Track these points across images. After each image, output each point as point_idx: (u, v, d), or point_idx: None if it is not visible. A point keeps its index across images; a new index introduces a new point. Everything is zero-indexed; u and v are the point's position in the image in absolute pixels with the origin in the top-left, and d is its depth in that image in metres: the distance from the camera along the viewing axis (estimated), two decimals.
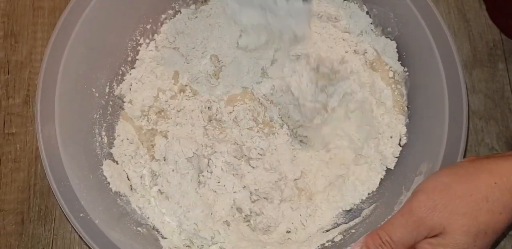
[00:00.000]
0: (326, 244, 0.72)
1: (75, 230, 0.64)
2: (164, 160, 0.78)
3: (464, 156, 0.67)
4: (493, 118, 0.85)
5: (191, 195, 0.76)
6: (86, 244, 0.64)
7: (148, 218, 0.76)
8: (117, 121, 0.81)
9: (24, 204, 0.80)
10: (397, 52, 0.78)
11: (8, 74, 0.86)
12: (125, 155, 0.79)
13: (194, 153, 0.77)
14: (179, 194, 0.76)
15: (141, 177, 0.78)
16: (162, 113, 0.81)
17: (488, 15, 0.88)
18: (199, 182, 0.77)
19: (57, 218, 0.80)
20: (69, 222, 0.64)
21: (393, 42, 0.78)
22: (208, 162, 0.78)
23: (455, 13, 0.88)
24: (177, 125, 0.80)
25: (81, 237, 0.64)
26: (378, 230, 0.58)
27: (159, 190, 0.77)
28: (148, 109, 0.81)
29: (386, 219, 0.68)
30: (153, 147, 0.80)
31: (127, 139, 0.79)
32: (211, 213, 0.75)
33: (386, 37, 0.79)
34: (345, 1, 0.83)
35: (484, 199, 0.56)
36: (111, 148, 0.79)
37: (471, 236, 0.56)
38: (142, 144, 0.80)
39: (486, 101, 0.85)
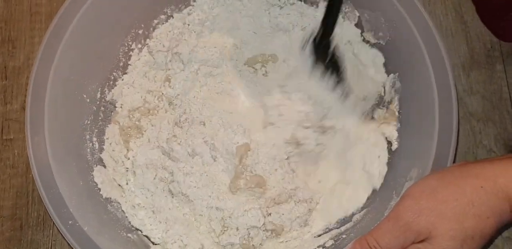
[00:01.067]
0: None
1: (63, 237, 0.65)
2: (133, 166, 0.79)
3: (455, 161, 0.67)
4: (491, 120, 0.85)
5: (168, 210, 0.76)
6: None
7: (138, 225, 0.76)
8: (108, 125, 0.81)
9: (23, 209, 0.81)
10: (388, 56, 0.78)
11: (6, 79, 0.87)
12: (111, 157, 0.79)
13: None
14: (154, 208, 0.77)
15: (127, 183, 0.79)
16: (150, 112, 0.82)
17: (479, 17, 0.88)
18: (172, 194, 0.76)
19: (55, 224, 0.80)
20: (58, 229, 0.65)
21: (381, 54, 0.79)
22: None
23: (453, 15, 0.88)
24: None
25: (70, 246, 0.65)
26: (366, 236, 0.58)
27: (139, 202, 0.78)
28: (135, 110, 0.81)
29: (376, 224, 0.69)
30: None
31: (114, 143, 0.80)
32: (195, 226, 0.75)
33: (375, 43, 0.79)
34: None
35: (470, 203, 0.56)
36: (101, 153, 0.79)
37: (458, 241, 0.55)
38: (126, 147, 0.80)
39: (484, 103, 0.85)
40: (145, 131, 0.81)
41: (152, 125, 0.81)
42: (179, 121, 0.79)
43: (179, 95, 0.82)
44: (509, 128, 0.84)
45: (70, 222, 0.65)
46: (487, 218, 0.56)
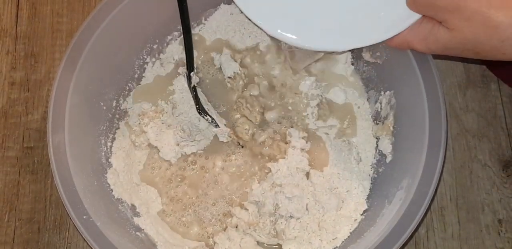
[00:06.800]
0: None
1: (78, 231, 0.68)
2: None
3: (441, 173, 0.70)
4: (486, 136, 0.87)
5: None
6: (90, 246, 0.68)
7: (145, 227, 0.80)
8: (118, 129, 0.85)
9: (40, 213, 0.84)
10: (384, 74, 0.80)
11: (28, 92, 0.91)
12: (120, 159, 0.83)
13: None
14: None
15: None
16: (157, 115, 0.85)
17: (486, 66, 0.90)
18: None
19: (71, 227, 0.83)
20: (73, 223, 0.68)
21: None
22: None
23: None
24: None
25: (84, 238, 0.68)
26: None
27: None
28: (144, 114, 0.85)
29: (369, 231, 0.72)
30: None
31: (123, 147, 0.84)
32: None
33: (373, 62, 0.81)
34: None
35: None
36: (111, 157, 0.83)
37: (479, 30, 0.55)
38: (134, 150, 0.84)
39: (479, 120, 0.88)
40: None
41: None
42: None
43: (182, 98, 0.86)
44: (503, 143, 0.87)
45: (84, 217, 0.68)
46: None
